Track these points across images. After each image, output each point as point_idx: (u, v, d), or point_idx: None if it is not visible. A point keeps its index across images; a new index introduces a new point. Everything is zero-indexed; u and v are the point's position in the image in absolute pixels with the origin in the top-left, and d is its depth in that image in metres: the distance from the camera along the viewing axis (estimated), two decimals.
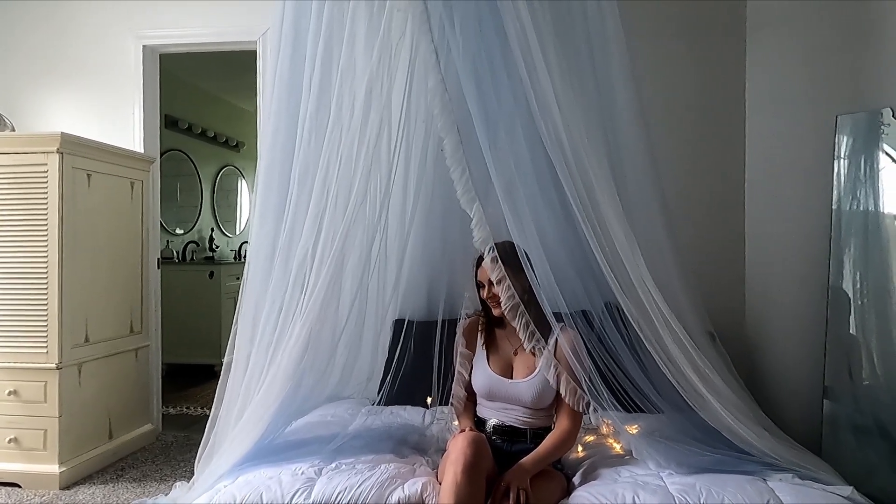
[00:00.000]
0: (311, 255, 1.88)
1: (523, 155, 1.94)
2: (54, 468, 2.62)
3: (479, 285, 1.97)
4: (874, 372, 2.79)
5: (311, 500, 1.73)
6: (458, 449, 1.67)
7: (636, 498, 1.67)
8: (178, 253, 5.22)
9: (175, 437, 3.33)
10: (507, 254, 1.91)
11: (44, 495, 2.54)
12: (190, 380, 4.62)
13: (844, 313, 2.78)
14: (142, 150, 3.24)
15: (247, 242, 6.48)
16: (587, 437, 2.16)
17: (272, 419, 1.99)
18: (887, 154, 2.73)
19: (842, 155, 2.76)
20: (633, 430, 2.12)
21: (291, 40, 1.98)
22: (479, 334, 2.07)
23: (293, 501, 1.73)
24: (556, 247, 1.94)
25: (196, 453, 2.99)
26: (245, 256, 6.13)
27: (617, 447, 2.08)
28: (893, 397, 2.73)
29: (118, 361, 3.03)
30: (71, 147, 2.71)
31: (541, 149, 1.92)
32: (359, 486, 1.75)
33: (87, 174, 2.83)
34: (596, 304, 1.95)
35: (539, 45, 1.81)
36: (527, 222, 1.88)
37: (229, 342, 2.21)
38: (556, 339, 1.91)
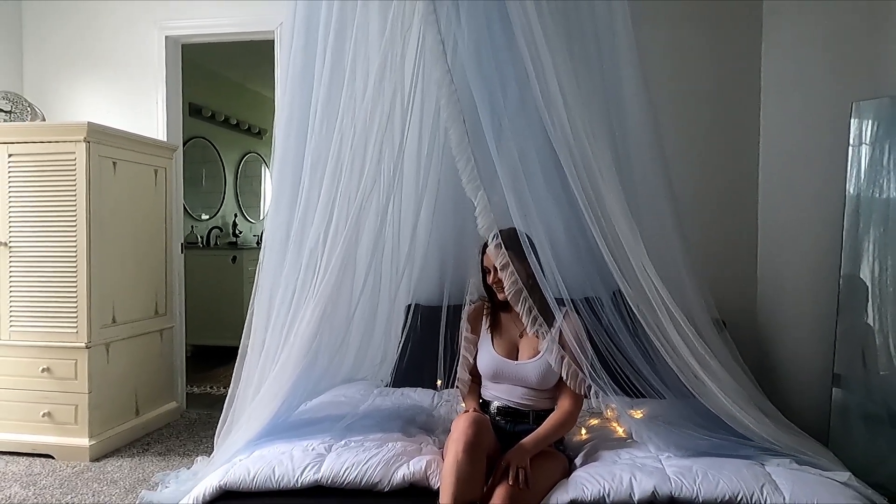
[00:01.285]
0: (322, 240, 1.95)
1: (528, 145, 1.97)
2: (84, 441, 2.77)
3: (485, 271, 2.02)
4: (890, 361, 2.77)
5: (319, 475, 1.81)
6: (459, 429, 1.74)
7: (633, 479, 1.71)
8: (202, 238, 5.37)
9: (198, 415, 3.46)
10: (512, 240, 1.96)
11: (75, 466, 2.69)
12: (214, 361, 4.77)
13: (860, 302, 2.76)
14: (165, 139, 3.35)
15: None
16: (591, 420, 2.20)
17: (286, 397, 2.08)
18: None
19: (861, 142, 2.72)
20: (637, 414, 2.17)
21: (304, 32, 2.04)
22: (483, 319, 2.12)
23: (303, 476, 1.81)
24: (560, 234, 1.98)
25: (215, 431, 3.16)
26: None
27: (619, 431, 2.12)
28: None
29: (144, 342, 3.17)
30: (97, 136, 2.82)
31: (545, 139, 1.95)
32: (365, 463, 1.83)
33: (113, 162, 2.94)
34: (599, 291, 1.99)
35: (544, 38, 1.84)
36: (531, 211, 1.92)
37: (246, 324, 2.30)
38: (559, 324, 1.96)
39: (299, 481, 1.80)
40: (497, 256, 1.92)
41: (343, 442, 2.00)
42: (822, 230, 2.73)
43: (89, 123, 2.76)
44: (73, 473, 2.62)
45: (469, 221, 2.67)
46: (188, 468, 2.55)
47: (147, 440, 3.05)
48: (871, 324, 2.74)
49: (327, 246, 1.95)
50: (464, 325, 2.13)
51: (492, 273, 1.99)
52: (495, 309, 2.13)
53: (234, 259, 5.08)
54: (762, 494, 1.63)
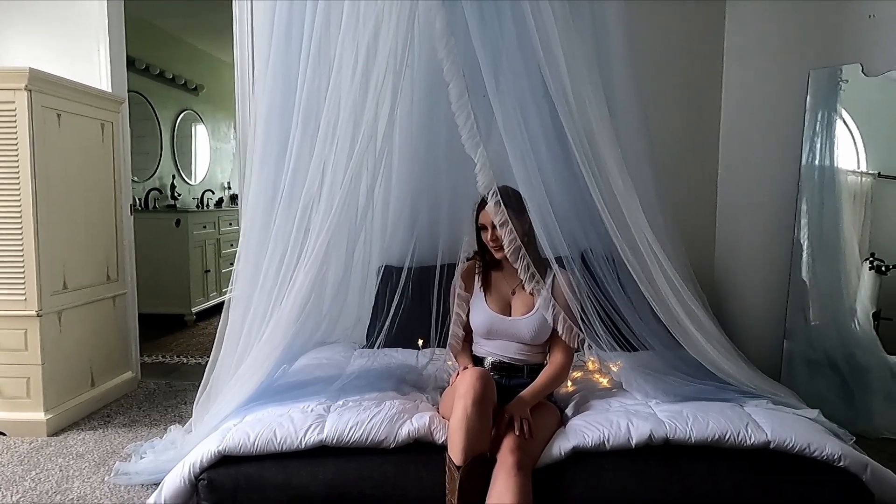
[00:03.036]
0: (316, 199, 1.88)
1: (527, 101, 1.97)
2: (40, 415, 2.59)
3: (482, 228, 2.03)
4: (824, 313, 3.03)
5: (324, 435, 1.79)
6: (467, 383, 1.76)
7: (630, 424, 1.81)
8: (140, 201, 5.04)
9: (156, 385, 3.32)
10: (509, 197, 1.97)
11: (32, 442, 2.52)
12: (160, 330, 4.56)
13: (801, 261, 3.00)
14: (110, 90, 3.09)
15: (210, 191, 6.33)
16: (575, 374, 2.29)
17: (278, 361, 2.03)
18: (840, 113, 2.88)
19: (807, 109, 2.90)
20: (615, 366, 2.27)
21: None
22: (476, 277, 2.14)
23: (307, 437, 1.79)
24: (557, 190, 2.00)
25: (180, 399, 3.04)
26: (208, 205, 6.01)
27: (604, 381, 2.23)
28: (840, 335, 3.00)
29: (97, 309, 2.97)
30: (39, 84, 2.56)
31: (544, 95, 1.96)
32: (369, 421, 1.83)
33: (58, 114, 2.69)
34: (594, 246, 2.04)
35: None
36: (530, 165, 1.93)
37: (230, 286, 2.21)
38: (553, 280, 2.01)
39: (303, 442, 1.78)
40: (496, 213, 1.93)
41: (340, 402, 1.98)
42: (777, 194, 2.90)
43: (31, 69, 2.50)
44: (31, 449, 2.45)
45: (444, 184, 2.68)
46: (160, 438, 2.46)
47: (106, 412, 2.89)
48: (806, 280, 2.99)
49: (321, 205, 1.88)
50: (457, 282, 2.14)
51: (489, 230, 2.00)
52: (486, 267, 2.15)
53: (178, 222, 4.82)
54: (747, 432, 1.77)
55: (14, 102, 2.50)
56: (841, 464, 1.73)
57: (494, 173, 1.94)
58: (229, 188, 6.76)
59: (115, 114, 3.11)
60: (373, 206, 2.47)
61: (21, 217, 2.54)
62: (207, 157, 6.35)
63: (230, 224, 5.61)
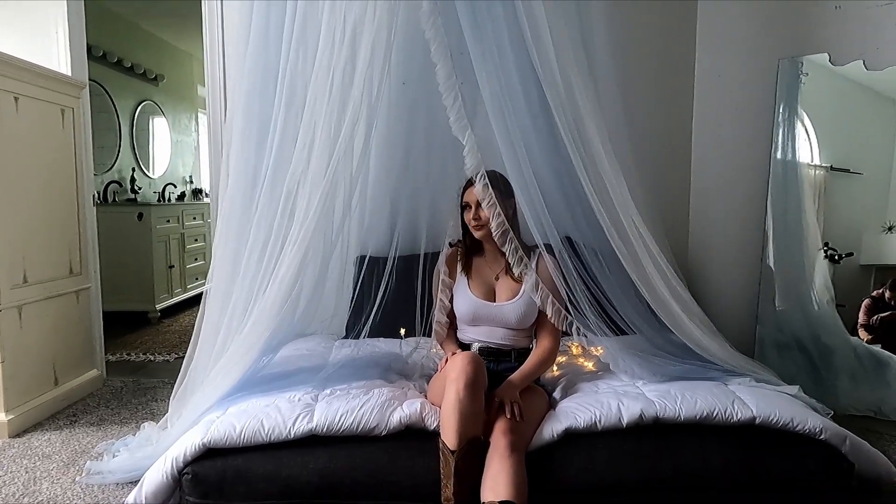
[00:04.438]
0: (302, 181, 1.83)
1: (514, 82, 1.96)
2: (0, 416, 2.45)
3: (465, 206, 2.00)
4: (788, 298, 3.13)
5: (313, 424, 1.75)
6: (458, 367, 1.74)
7: (621, 404, 1.82)
8: (99, 194, 4.83)
9: (123, 383, 3.19)
10: (497, 180, 1.96)
11: None
12: (123, 328, 4.39)
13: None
14: (69, 73, 2.94)
15: (171, 184, 6.12)
16: (560, 358, 2.30)
17: (262, 351, 1.97)
18: (798, 105, 2.97)
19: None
20: (598, 350, 2.29)
21: None
22: (457, 263, 2.12)
23: (296, 426, 1.74)
24: (544, 172, 1.99)
25: (150, 397, 2.93)
26: (170, 199, 5.81)
27: (589, 365, 2.24)
28: (805, 318, 3.10)
29: (59, 304, 2.83)
30: None
31: (531, 77, 1.95)
32: (360, 409, 1.79)
33: (15, 97, 2.54)
34: (580, 227, 2.04)
35: None
36: (518, 146, 1.92)
37: (208, 276, 2.13)
38: (538, 263, 2.00)
39: (292, 432, 1.74)
40: (484, 196, 1.92)
41: (328, 391, 1.94)
42: (750, 181, 2.96)
43: None
44: None
45: (419, 171, 2.65)
46: (134, 435, 2.35)
47: (71, 411, 2.76)
48: (772, 266, 3.08)
49: (307, 187, 1.83)
50: (442, 268, 2.13)
51: (472, 209, 1.97)
52: (468, 252, 2.13)
53: (140, 216, 4.64)
54: (734, 409, 1.80)
55: None
56: (822, 437, 1.78)
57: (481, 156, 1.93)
58: (191, 182, 6.56)
59: (76, 99, 2.97)
60: (356, 194, 2.42)
61: None
62: (168, 150, 6.14)
63: (194, 218, 5.44)
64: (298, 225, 1.84)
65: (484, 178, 1.91)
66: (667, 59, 2.99)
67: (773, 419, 1.78)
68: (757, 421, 1.79)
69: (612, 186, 1.93)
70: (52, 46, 2.94)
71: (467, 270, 2.11)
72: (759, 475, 1.74)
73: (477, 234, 2.01)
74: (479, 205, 1.96)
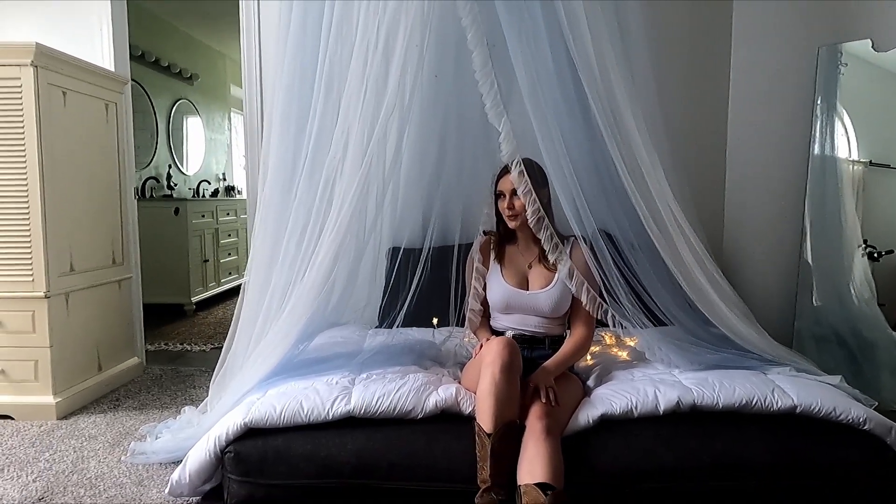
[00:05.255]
0: (339, 168, 1.86)
1: (549, 70, 1.96)
2: (49, 399, 2.55)
3: (499, 195, 2.01)
4: (827, 294, 3.06)
5: (351, 406, 1.78)
6: (494, 351, 1.75)
7: (657, 391, 1.81)
8: (137, 189, 4.95)
9: (162, 371, 3.28)
10: (532, 168, 1.96)
11: (42, 425, 2.48)
12: (160, 319, 4.50)
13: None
14: (113, 69, 3.04)
15: (205, 181, 6.26)
16: (593, 348, 2.29)
17: (300, 335, 2.00)
18: (837, 101, 2.89)
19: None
20: (632, 341, 2.28)
21: None
22: (490, 251, 2.13)
23: (334, 408, 1.78)
24: (580, 159, 1.99)
25: (189, 384, 3.01)
26: (204, 195, 5.94)
27: (623, 355, 2.23)
28: (845, 313, 3.03)
29: (103, 293, 2.92)
30: (45, 60, 2.50)
31: (567, 64, 1.95)
32: (396, 392, 1.82)
33: (63, 92, 2.64)
34: (616, 215, 2.03)
35: None
36: (555, 133, 1.92)
37: (247, 264, 2.18)
38: (571, 252, 2.00)
39: (330, 413, 1.77)
40: (520, 183, 1.92)
41: (364, 375, 1.97)
42: (788, 174, 2.91)
43: (37, 45, 2.44)
44: (41, 432, 2.41)
45: (451, 165, 2.67)
46: (175, 419, 2.42)
47: (114, 396, 2.85)
48: (810, 262, 3.02)
49: (345, 176, 1.86)
50: (476, 255, 2.14)
51: (507, 198, 1.98)
52: (501, 241, 2.14)
53: (177, 211, 4.76)
54: (774, 397, 1.78)
55: (20, 79, 2.45)
56: (866, 427, 1.74)
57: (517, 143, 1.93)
58: (224, 179, 6.70)
59: (119, 94, 3.06)
60: (392, 184, 2.45)
61: (28, 196, 2.49)
62: (202, 148, 6.28)
63: (227, 214, 5.56)
64: (336, 210, 1.88)
65: (520, 165, 1.92)
66: (702, 49, 2.95)
67: (814, 408, 1.75)
68: (798, 410, 1.76)
69: (648, 174, 1.92)
70: (97, 45, 3.03)
71: (500, 259, 2.12)
72: (799, 465, 1.71)
73: (511, 224, 2.02)
74: (513, 193, 1.96)
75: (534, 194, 1.92)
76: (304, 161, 1.95)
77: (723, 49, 2.94)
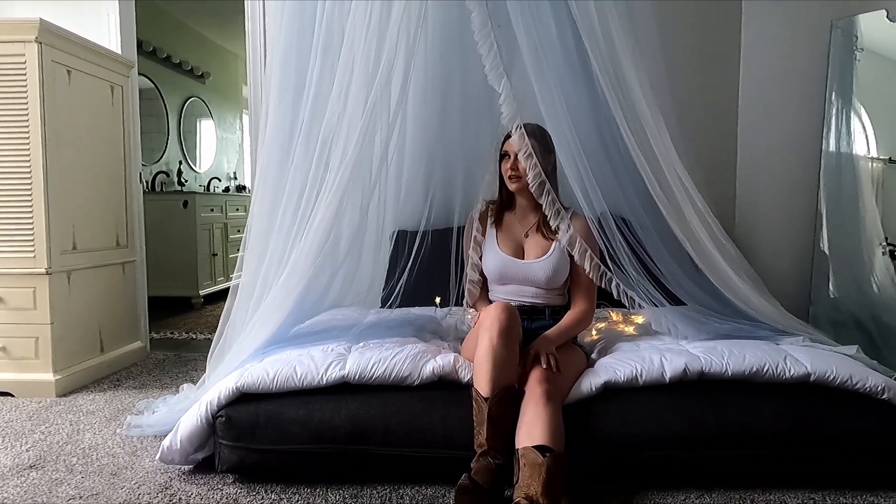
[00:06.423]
0: (336, 130, 1.83)
1: (552, 33, 1.92)
2: (49, 376, 2.53)
3: (504, 156, 1.96)
4: (845, 283, 2.96)
5: (346, 372, 1.73)
6: (492, 316, 1.70)
7: (664, 359, 1.74)
8: (147, 183, 4.99)
9: (165, 356, 3.25)
10: (535, 132, 1.91)
11: (41, 402, 2.46)
12: (167, 311, 4.50)
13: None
14: (119, 52, 3.05)
15: (216, 178, 6.29)
16: (599, 324, 2.23)
17: (295, 303, 1.96)
18: (853, 97, 2.78)
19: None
20: (640, 319, 2.21)
21: None
22: (489, 218, 2.08)
23: (328, 373, 1.73)
24: (582, 122, 1.94)
25: (191, 367, 2.98)
26: (214, 191, 5.97)
27: (629, 330, 2.16)
28: (865, 299, 2.93)
29: (106, 274, 2.91)
30: (49, 38, 2.51)
31: (569, 27, 1.91)
32: (392, 358, 1.77)
33: (68, 70, 2.64)
34: (622, 181, 1.98)
35: None
36: (557, 96, 1.87)
37: (245, 231, 2.15)
38: (572, 218, 1.94)
39: (324, 378, 1.72)
40: (521, 146, 1.88)
41: (361, 343, 1.93)
42: (800, 153, 2.82)
43: (41, 21, 2.45)
44: (40, 408, 2.39)
45: (457, 145, 2.63)
46: (173, 395, 2.39)
47: (116, 377, 2.83)
48: (826, 252, 2.93)
49: (344, 132, 1.83)
50: (475, 224, 2.08)
51: (510, 158, 1.93)
52: (501, 208, 2.08)
53: (186, 204, 4.77)
54: (786, 364, 1.70)
55: (24, 55, 2.46)
56: (884, 396, 1.67)
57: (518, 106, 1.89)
58: (235, 178, 6.72)
59: (125, 77, 3.07)
60: (387, 165, 2.42)
61: (31, 172, 2.49)
62: (213, 146, 6.31)
63: (237, 210, 5.56)
64: (334, 173, 1.84)
65: (520, 128, 1.87)
66: (711, 22, 2.87)
67: (829, 376, 1.68)
68: (812, 378, 1.68)
69: (652, 135, 1.86)
70: (104, 32, 3.04)
71: (498, 224, 2.05)
72: (812, 434, 1.63)
73: (511, 187, 1.96)
74: (518, 155, 1.92)
75: (534, 158, 1.87)
76: (300, 124, 1.92)
77: (733, 22, 2.87)
